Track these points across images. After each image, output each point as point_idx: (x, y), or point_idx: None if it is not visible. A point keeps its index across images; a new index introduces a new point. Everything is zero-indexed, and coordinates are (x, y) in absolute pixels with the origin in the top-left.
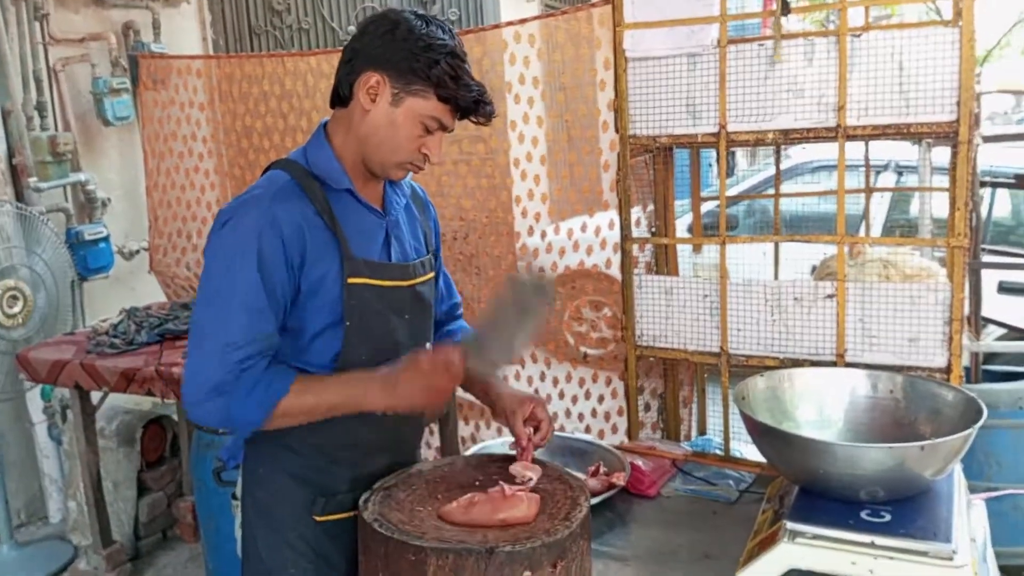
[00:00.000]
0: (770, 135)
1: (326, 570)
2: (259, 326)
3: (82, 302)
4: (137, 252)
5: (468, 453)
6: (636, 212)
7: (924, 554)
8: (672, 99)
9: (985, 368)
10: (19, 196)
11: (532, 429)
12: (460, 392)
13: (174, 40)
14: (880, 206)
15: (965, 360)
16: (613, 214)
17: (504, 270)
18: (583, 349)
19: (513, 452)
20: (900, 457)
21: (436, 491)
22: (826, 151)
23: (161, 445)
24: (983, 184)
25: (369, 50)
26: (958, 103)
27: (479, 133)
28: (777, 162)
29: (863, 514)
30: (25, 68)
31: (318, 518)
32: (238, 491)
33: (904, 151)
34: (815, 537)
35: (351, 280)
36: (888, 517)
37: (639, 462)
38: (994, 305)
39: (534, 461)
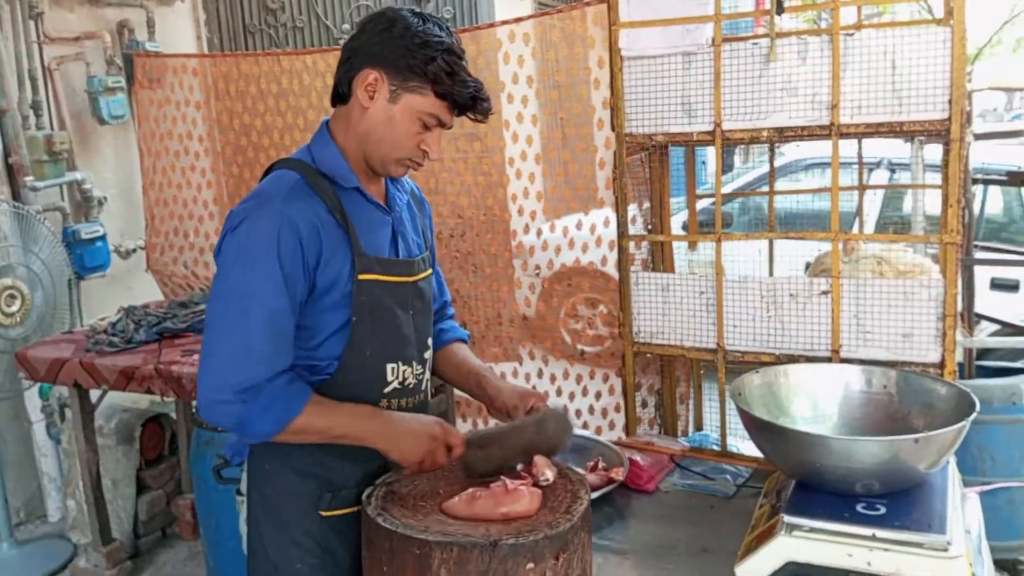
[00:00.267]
0: (765, 133)
1: (332, 565)
2: (281, 329)
3: (79, 301)
4: (134, 251)
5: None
6: (632, 210)
7: (919, 545)
8: (667, 97)
9: (978, 364)
10: (15, 195)
11: None
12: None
13: (169, 39)
14: (873, 203)
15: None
16: (608, 212)
17: (500, 268)
18: (579, 347)
19: None
20: (894, 450)
21: (438, 486)
22: (820, 149)
23: (160, 443)
24: (975, 181)
25: (367, 48)
26: (950, 101)
27: (476, 131)
28: (771, 160)
29: (859, 507)
30: (20, 67)
31: (324, 513)
32: (243, 487)
33: (897, 149)
34: (812, 530)
35: (362, 277)
36: (883, 510)
37: (637, 457)
38: (987, 301)
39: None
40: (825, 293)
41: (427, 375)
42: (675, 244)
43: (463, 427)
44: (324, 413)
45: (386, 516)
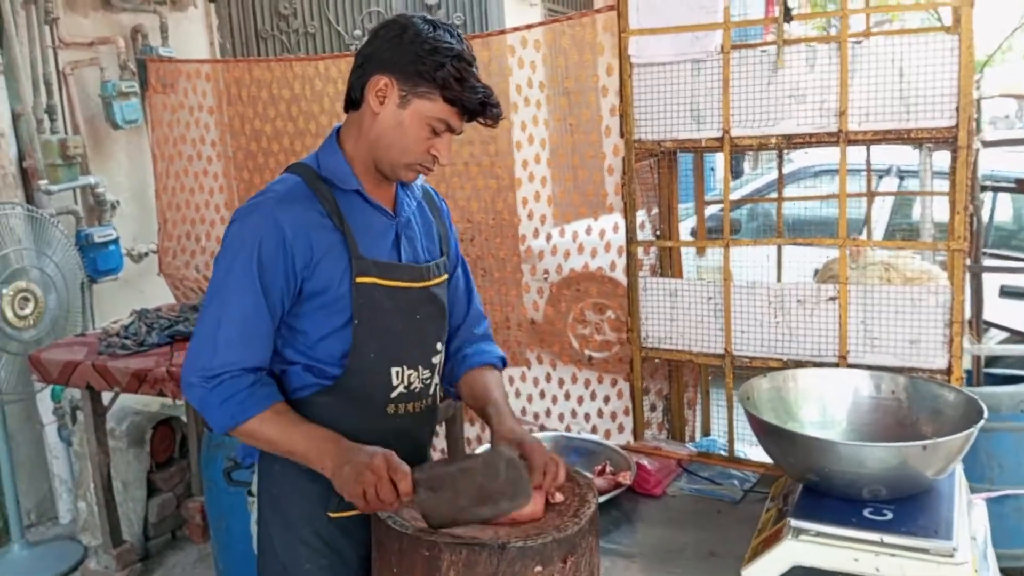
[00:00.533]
0: (773, 140)
1: (340, 566)
2: (252, 326)
3: (91, 304)
4: (146, 254)
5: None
6: (641, 215)
7: (925, 551)
8: (676, 104)
9: (987, 371)
10: (29, 199)
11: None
12: None
13: (182, 44)
14: (882, 210)
15: (967, 363)
16: (617, 217)
17: (509, 272)
18: (587, 352)
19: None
20: (902, 456)
21: None
22: (828, 155)
23: (170, 446)
24: (984, 188)
25: (378, 54)
26: (957, 108)
27: (490, 135)
28: (780, 166)
29: (866, 512)
30: (35, 72)
31: (332, 515)
32: (254, 488)
33: (906, 156)
34: (819, 534)
35: (359, 279)
36: (890, 515)
37: (645, 462)
38: (996, 309)
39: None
40: (833, 299)
41: (435, 380)
42: (683, 250)
43: (471, 432)
44: (279, 425)
45: (395, 518)
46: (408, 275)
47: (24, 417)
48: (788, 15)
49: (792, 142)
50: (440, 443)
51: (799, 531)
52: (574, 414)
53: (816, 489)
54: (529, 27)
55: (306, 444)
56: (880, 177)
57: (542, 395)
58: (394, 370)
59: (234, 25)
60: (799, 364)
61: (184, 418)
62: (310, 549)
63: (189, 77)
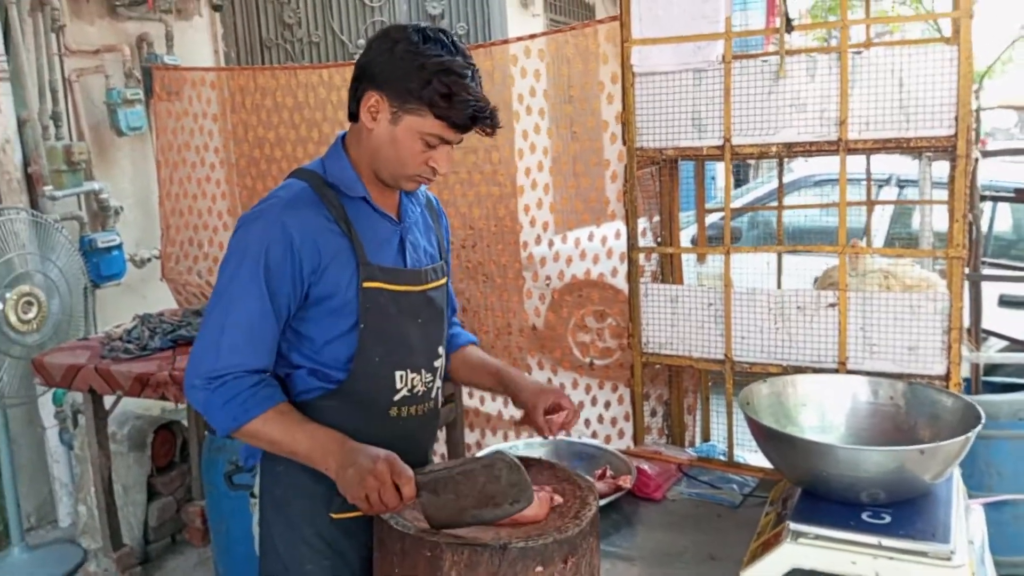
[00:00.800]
0: (774, 148)
1: (342, 566)
2: (257, 330)
3: (94, 309)
4: (149, 260)
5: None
6: (642, 223)
7: (923, 554)
8: (678, 113)
9: (985, 380)
10: (34, 204)
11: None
12: (466, 399)
13: (187, 52)
14: (881, 220)
15: (965, 371)
16: (619, 224)
17: (510, 278)
18: (588, 358)
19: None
20: (900, 460)
21: None
22: (828, 165)
23: (171, 450)
24: (984, 198)
25: (369, 69)
26: (956, 118)
27: (494, 143)
28: (780, 175)
29: (864, 516)
30: (41, 79)
31: (335, 516)
32: (256, 489)
33: (905, 166)
34: (817, 537)
35: (366, 284)
36: (888, 519)
37: (645, 466)
38: (995, 318)
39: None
40: (832, 306)
41: (437, 383)
42: (684, 257)
43: (470, 437)
44: (282, 425)
45: (398, 518)
46: (412, 279)
47: (26, 421)
48: (789, 26)
49: (792, 150)
50: (440, 447)
51: (798, 534)
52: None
53: (815, 493)
54: (532, 37)
55: (309, 444)
56: (880, 186)
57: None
58: (398, 374)
59: (239, 34)
60: (799, 370)
61: (185, 422)
62: (312, 550)
63: (194, 85)
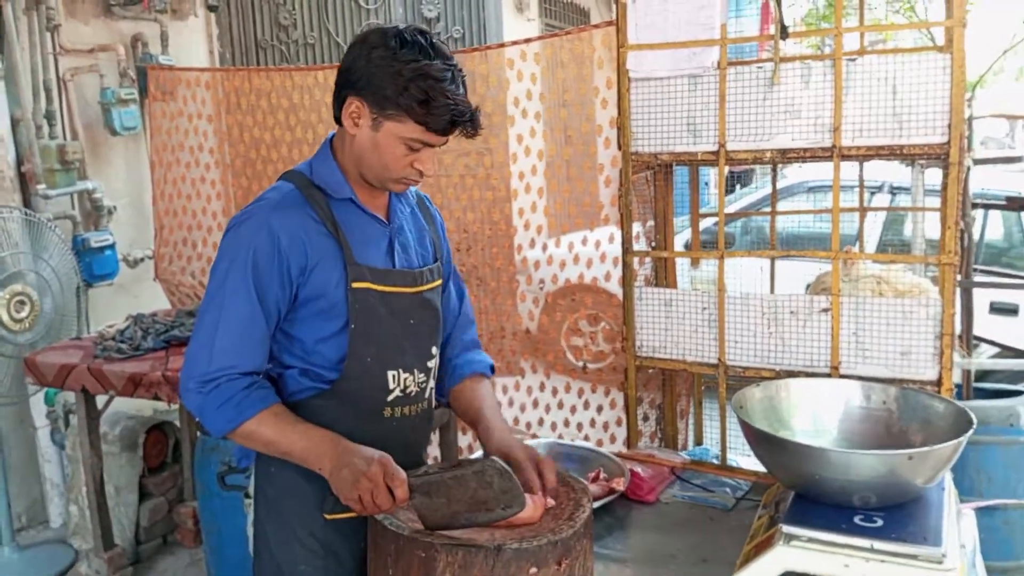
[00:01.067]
0: (768, 154)
1: (335, 567)
2: (248, 331)
3: (87, 308)
4: (142, 260)
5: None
6: (636, 227)
7: (915, 557)
8: (673, 118)
9: (977, 386)
10: (27, 203)
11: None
12: None
13: (182, 53)
14: (874, 227)
15: (957, 377)
16: (613, 229)
17: (504, 282)
18: (581, 361)
19: None
20: (891, 464)
21: None
22: (821, 171)
23: (163, 451)
24: (975, 206)
25: (349, 75)
26: (949, 125)
27: (487, 146)
28: (774, 180)
29: (856, 519)
30: (35, 77)
31: (328, 516)
32: (251, 489)
33: (898, 173)
34: (810, 540)
35: (355, 285)
36: (880, 522)
37: (638, 469)
38: (986, 325)
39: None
40: (825, 311)
41: (431, 383)
42: (678, 262)
43: (463, 440)
44: (276, 426)
45: (392, 519)
46: (402, 281)
47: (17, 420)
48: (784, 33)
49: (787, 156)
50: (433, 451)
51: (790, 537)
52: (567, 423)
53: (807, 496)
54: (528, 41)
55: (304, 444)
56: (872, 193)
57: (535, 404)
58: (390, 374)
59: (234, 35)
60: (792, 374)
61: (177, 423)
62: (306, 550)
63: (188, 85)
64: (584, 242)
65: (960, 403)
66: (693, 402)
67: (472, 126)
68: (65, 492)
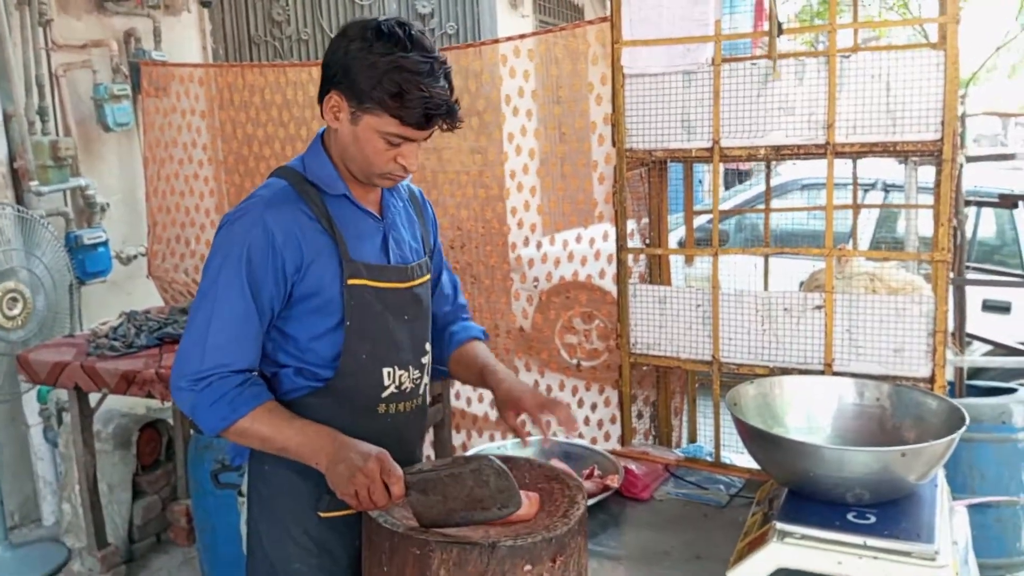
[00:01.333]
0: (762, 151)
1: (330, 564)
2: (241, 329)
3: (79, 306)
4: (135, 257)
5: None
6: (630, 224)
7: (908, 554)
8: (668, 114)
9: (969, 383)
10: (19, 199)
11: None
12: (453, 401)
13: (175, 48)
14: (867, 224)
15: (949, 374)
16: (607, 226)
17: (498, 280)
18: (575, 359)
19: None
20: (885, 461)
21: None
22: (815, 169)
23: (156, 449)
24: (968, 203)
25: (328, 71)
26: (942, 122)
27: (479, 144)
28: (768, 178)
29: (850, 516)
30: (28, 73)
31: (322, 514)
32: (244, 488)
33: (892, 171)
34: (803, 537)
35: (351, 281)
36: (873, 519)
37: (632, 466)
38: (979, 323)
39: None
40: (819, 308)
41: (425, 380)
42: (672, 260)
43: (457, 438)
44: (271, 422)
45: (387, 516)
46: (396, 276)
47: (9, 418)
48: (779, 29)
49: (780, 153)
50: (427, 449)
51: (784, 534)
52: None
53: (801, 493)
54: (522, 37)
55: (299, 440)
56: (866, 191)
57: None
58: (385, 370)
59: (227, 30)
60: (785, 371)
61: (171, 421)
62: (300, 548)
63: (182, 81)
64: (578, 239)
65: (953, 400)
66: (687, 399)
67: (449, 120)
68: (58, 490)
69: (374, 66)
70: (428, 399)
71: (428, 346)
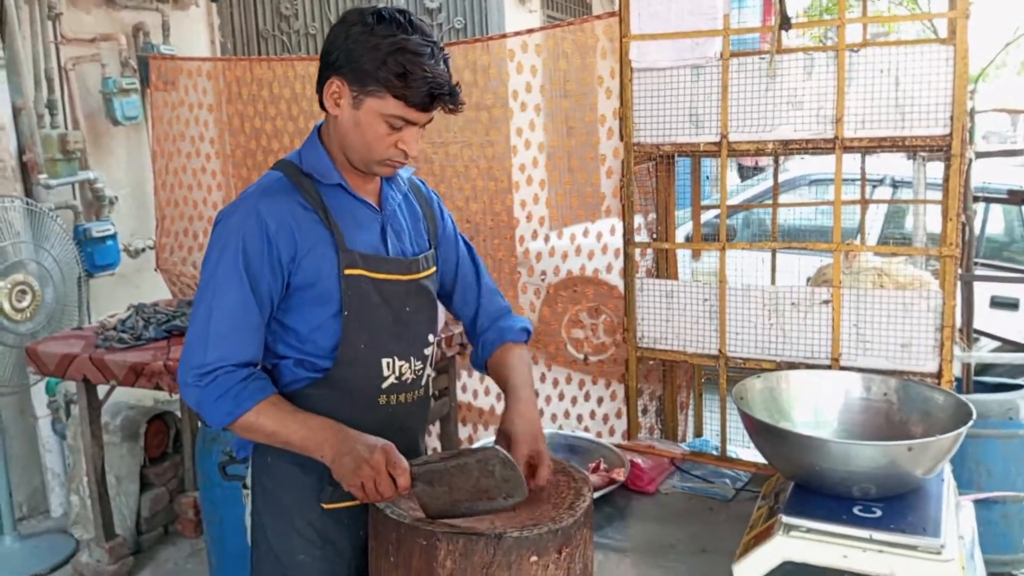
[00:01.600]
0: (770, 145)
1: (334, 556)
2: (242, 321)
3: (88, 298)
4: (143, 250)
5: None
6: (638, 219)
7: (914, 548)
8: (676, 109)
9: (977, 380)
10: (28, 192)
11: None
12: (460, 394)
13: (183, 42)
14: (875, 220)
15: (957, 370)
16: (614, 221)
17: (506, 273)
18: (582, 353)
19: None
20: (891, 455)
21: None
22: (823, 165)
23: (164, 441)
24: (977, 199)
25: (329, 56)
26: (951, 117)
27: (488, 138)
28: (776, 172)
29: (856, 510)
30: (37, 67)
31: (326, 506)
32: (248, 480)
33: (900, 167)
34: (809, 531)
35: (347, 271)
36: (880, 513)
37: (638, 460)
38: (986, 319)
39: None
40: (826, 302)
41: (427, 370)
42: (679, 254)
43: (463, 432)
44: (276, 416)
45: (393, 508)
46: (396, 268)
47: (18, 410)
48: (787, 24)
49: (789, 148)
50: (433, 442)
51: (790, 527)
52: (567, 415)
53: (807, 487)
54: (530, 31)
55: (304, 433)
56: (874, 187)
57: (536, 395)
58: (384, 361)
59: (235, 25)
60: (792, 366)
61: (178, 413)
62: (304, 540)
63: (190, 75)
64: (585, 234)
65: (960, 395)
66: (693, 394)
67: (452, 100)
68: (66, 482)
69: (377, 48)
70: (432, 390)
71: (432, 337)
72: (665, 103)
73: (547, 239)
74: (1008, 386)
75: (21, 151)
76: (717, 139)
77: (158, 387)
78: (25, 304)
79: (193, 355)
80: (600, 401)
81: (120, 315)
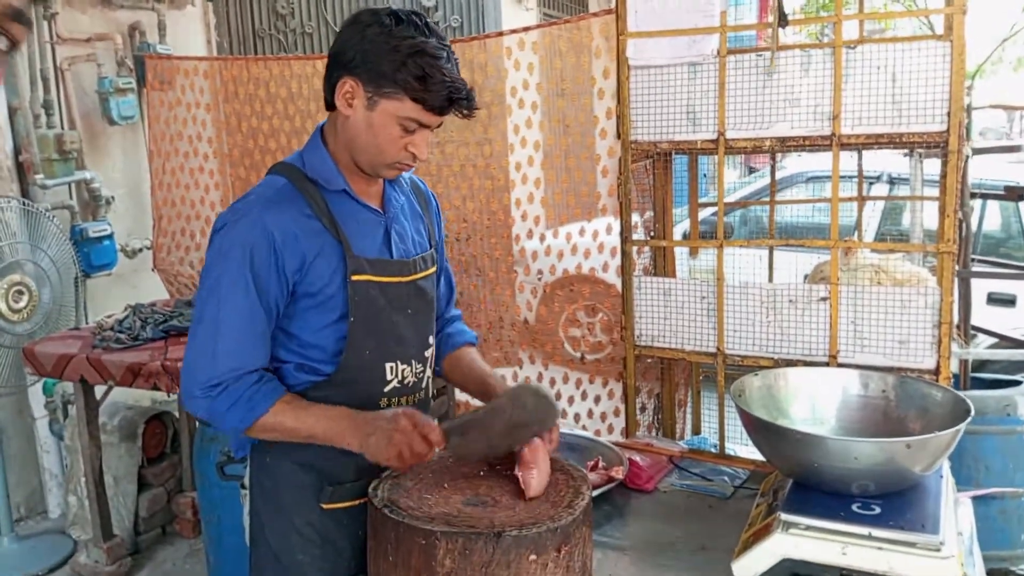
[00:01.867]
0: (767, 142)
1: (333, 556)
2: (249, 330)
3: (85, 299)
4: (140, 250)
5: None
6: (635, 217)
7: (913, 545)
8: (673, 106)
9: (974, 376)
10: (25, 193)
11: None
12: (458, 393)
13: (179, 42)
14: (872, 217)
15: (954, 367)
16: (610, 219)
17: (503, 272)
18: (579, 352)
19: None
20: (889, 452)
21: (442, 480)
22: (820, 162)
23: (162, 441)
24: (974, 195)
25: (342, 55)
26: (948, 114)
27: (485, 136)
28: (773, 170)
29: (854, 507)
30: (33, 67)
31: (325, 506)
32: (247, 480)
33: (897, 163)
34: (808, 528)
35: (355, 278)
36: (878, 510)
37: (637, 458)
38: (983, 315)
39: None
40: (824, 299)
41: (428, 373)
42: (676, 252)
43: None
44: (293, 413)
45: (392, 507)
46: (400, 270)
47: (15, 411)
48: (784, 21)
49: (786, 145)
50: None
51: (789, 524)
52: (565, 414)
53: (806, 484)
54: (527, 29)
55: (325, 425)
56: (871, 184)
57: None
58: (388, 365)
59: (231, 24)
60: (790, 363)
61: (176, 413)
62: (303, 539)
63: (186, 74)
64: (582, 232)
65: (958, 391)
66: (691, 392)
67: (468, 105)
68: (64, 482)
69: (396, 49)
70: (431, 392)
71: (432, 339)
72: (662, 100)
73: (543, 238)
74: (1005, 382)
75: (17, 151)
76: (714, 136)
77: (156, 387)
78: (22, 305)
79: (200, 368)
80: (598, 399)
81: (117, 315)
